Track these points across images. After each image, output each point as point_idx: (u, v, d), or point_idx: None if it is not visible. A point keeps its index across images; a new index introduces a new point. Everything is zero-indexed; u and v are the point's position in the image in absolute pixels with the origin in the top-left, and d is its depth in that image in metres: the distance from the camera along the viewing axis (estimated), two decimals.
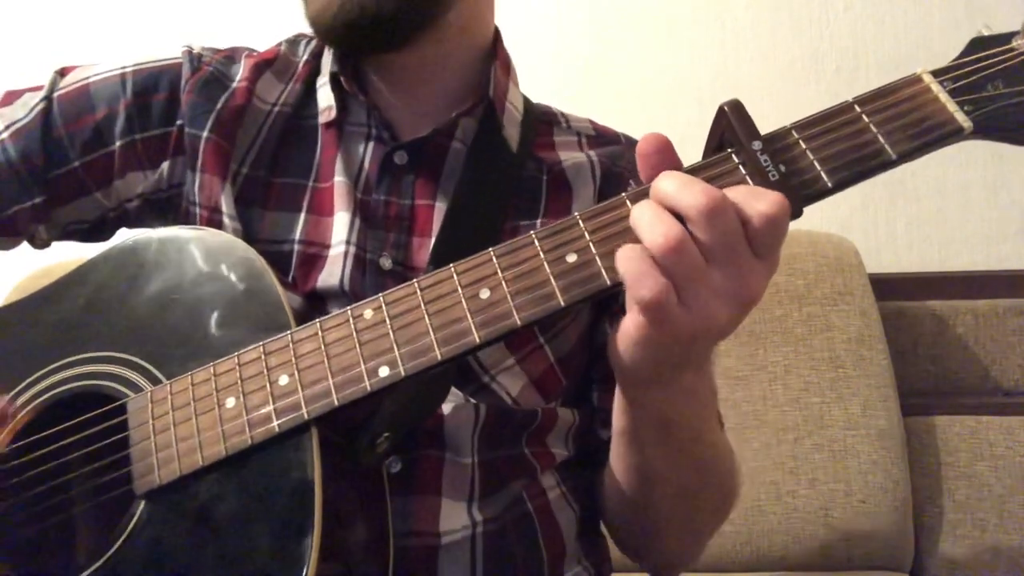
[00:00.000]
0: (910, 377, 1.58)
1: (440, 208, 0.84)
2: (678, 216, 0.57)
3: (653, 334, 0.58)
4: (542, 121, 0.93)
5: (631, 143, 0.94)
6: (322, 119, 0.87)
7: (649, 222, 0.56)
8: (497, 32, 0.93)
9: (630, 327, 0.59)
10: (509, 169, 0.87)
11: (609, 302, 0.88)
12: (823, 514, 1.43)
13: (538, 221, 0.86)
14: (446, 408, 0.80)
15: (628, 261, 0.57)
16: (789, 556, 1.44)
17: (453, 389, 0.80)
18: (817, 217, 1.64)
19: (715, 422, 0.76)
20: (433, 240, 0.82)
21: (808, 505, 1.44)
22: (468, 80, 0.88)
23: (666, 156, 0.60)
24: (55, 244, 0.92)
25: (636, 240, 0.58)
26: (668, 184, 0.57)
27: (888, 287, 1.61)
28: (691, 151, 0.63)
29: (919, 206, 1.69)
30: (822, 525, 1.43)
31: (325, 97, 0.88)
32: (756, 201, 0.57)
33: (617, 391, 0.71)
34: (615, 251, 0.58)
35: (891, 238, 1.70)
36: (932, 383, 1.60)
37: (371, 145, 0.86)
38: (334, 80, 0.87)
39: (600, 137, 0.95)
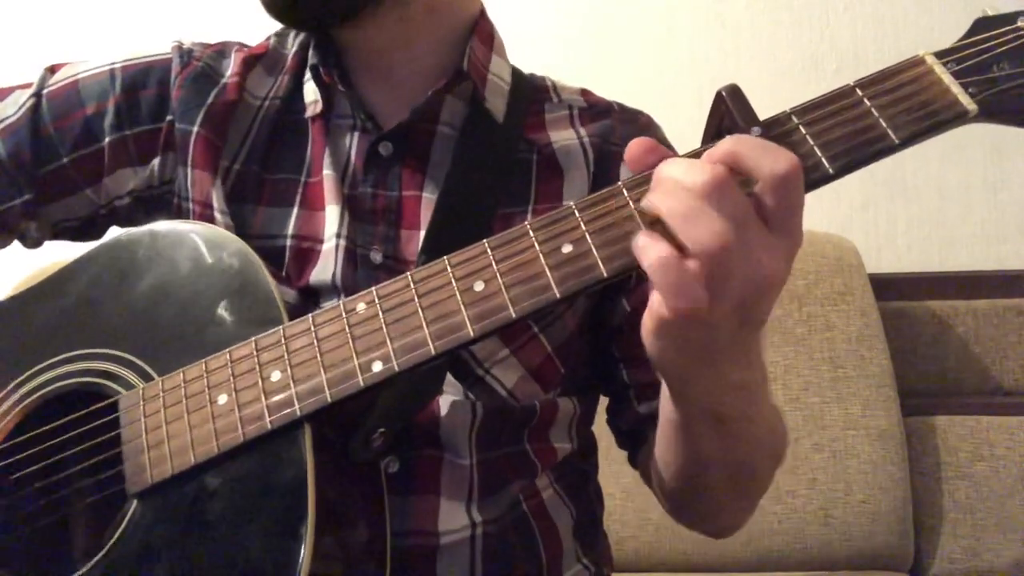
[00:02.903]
0: (910, 377, 1.58)
1: (428, 198, 0.83)
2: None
3: (679, 327, 0.56)
4: (533, 99, 0.91)
5: (624, 113, 0.93)
6: (308, 112, 0.87)
7: (695, 217, 0.53)
8: (483, 10, 0.91)
9: (646, 319, 0.58)
10: (499, 151, 0.85)
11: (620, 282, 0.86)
12: (823, 514, 1.44)
13: (529, 207, 0.85)
14: (442, 407, 0.79)
15: (664, 268, 0.54)
16: (789, 556, 1.44)
17: (450, 382, 0.79)
18: (817, 217, 1.64)
19: (767, 401, 0.72)
20: (423, 232, 0.81)
21: (808, 505, 1.44)
22: (445, 60, 0.86)
23: (657, 155, 0.58)
24: (54, 245, 0.92)
25: (633, 229, 0.57)
26: (670, 170, 0.56)
27: (888, 287, 1.61)
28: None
29: (919, 206, 1.69)
30: (822, 525, 1.43)
31: (311, 90, 0.87)
32: (767, 157, 0.54)
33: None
34: (611, 241, 0.57)
35: (891, 238, 1.70)
36: (932, 383, 1.60)
37: (356, 137, 0.85)
38: (315, 72, 0.86)
39: (592, 109, 0.92)
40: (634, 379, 0.88)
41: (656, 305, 0.56)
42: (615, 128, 0.90)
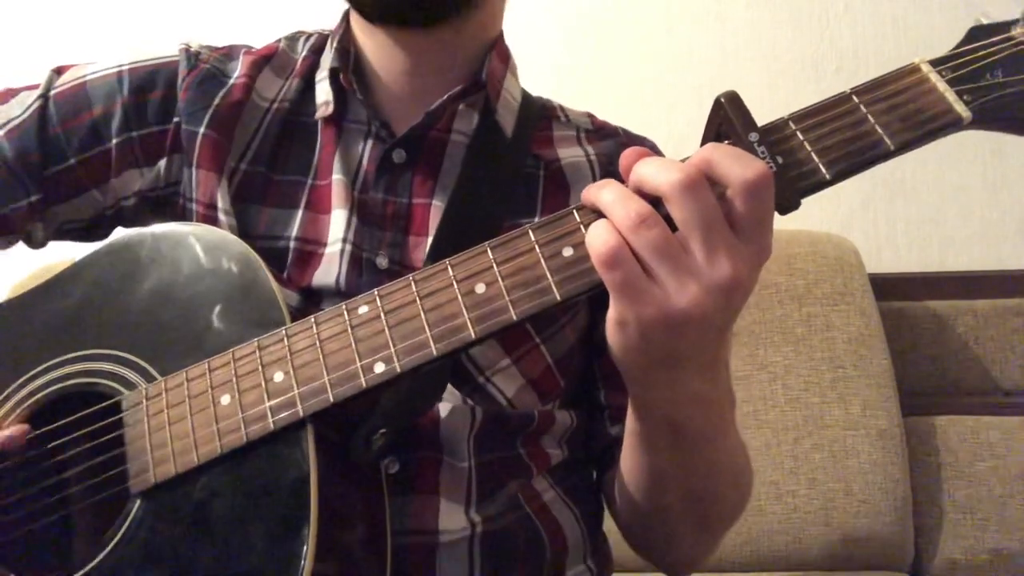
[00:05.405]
0: (910, 377, 1.58)
1: (437, 206, 0.84)
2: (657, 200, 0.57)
3: (627, 312, 0.57)
4: (541, 116, 0.92)
5: (630, 138, 0.94)
6: (319, 114, 0.87)
7: (613, 201, 0.57)
8: (501, 30, 0.92)
9: (609, 311, 0.59)
10: (507, 164, 0.86)
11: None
12: (823, 514, 1.43)
13: (536, 219, 0.85)
14: (442, 411, 0.79)
15: (590, 231, 0.57)
16: (789, 556, 1.43)
17: (449, 389, 0.80)
18: (817, 217, 1.64)
19: (731, 428, 0.74)
20: (430, 239, 0.82)
21: (808, 505, 1.44)
22: (465, 71, 0.87)
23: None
24: (58, 245, 0.92)
25: None
26: (645, 167, 0.58)
27: (888, 287, 1.61)
28: (690, 151, 0.62)
29: (919, 206, 1.69)
30: (822, 525, 1.43)
31: (323, 91, 0.87)
32: (738, 164, 0.56)
33: None
34: None
35: (891, 238, 1.70)
36: (932, 383, 1.60)
37: (370, 143, 0.86)
38: (333, 75, 0.86)
39: (599, 131, 0.94)
40: (609, 400, 0.90)
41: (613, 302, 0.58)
42: (619, 151, 0.91)
